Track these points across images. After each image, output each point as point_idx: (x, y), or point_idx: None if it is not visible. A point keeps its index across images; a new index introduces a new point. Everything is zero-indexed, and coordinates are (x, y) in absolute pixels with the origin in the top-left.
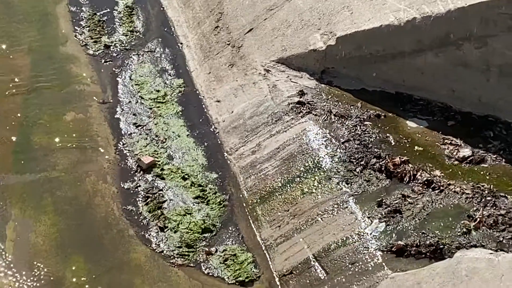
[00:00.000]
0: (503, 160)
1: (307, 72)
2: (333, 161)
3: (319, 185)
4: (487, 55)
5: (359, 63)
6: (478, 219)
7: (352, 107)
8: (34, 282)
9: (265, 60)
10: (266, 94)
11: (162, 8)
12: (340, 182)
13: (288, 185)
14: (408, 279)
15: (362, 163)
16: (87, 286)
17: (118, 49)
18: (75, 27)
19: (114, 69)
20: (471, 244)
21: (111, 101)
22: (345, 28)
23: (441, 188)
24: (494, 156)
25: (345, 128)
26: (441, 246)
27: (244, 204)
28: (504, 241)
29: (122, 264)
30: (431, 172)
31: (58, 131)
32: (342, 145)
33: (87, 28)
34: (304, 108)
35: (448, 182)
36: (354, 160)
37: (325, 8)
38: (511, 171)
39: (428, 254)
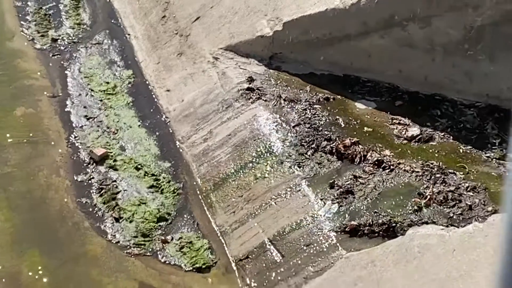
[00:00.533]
0: (451, 137)
1: (255, 59)
2: (284, 145)
3: (272, 170)
4: (432, 34)
5: (306, 48)
6: (429, 196)
7: (301, 91)
8: None
9: (213, 48)
10: (215, 81)
11: (108, 0)
12: (292, 166)
13: (241, 171)
14: (363, 258)
15: (313, 146)
16: (44, 280)
17: (66, 43)
18: (21, 22)
19: (62, 62)
20: (423, 221)
21: (61, 94)
22: (291, 13)
23: (392, 167)
24: (442, 134)
25: (295, 112)
26: (393, 224)
27: (198, 192)
28: (454, 217)
29: (78, 256)
30: (381, 152)
31: (8, 127)
32: (293, 129)
33: (34, 23)
34: (254, 94)
35: (398, 161)
36: (305, 144)
37: None
38: (459, 148)
39: (381, 232)
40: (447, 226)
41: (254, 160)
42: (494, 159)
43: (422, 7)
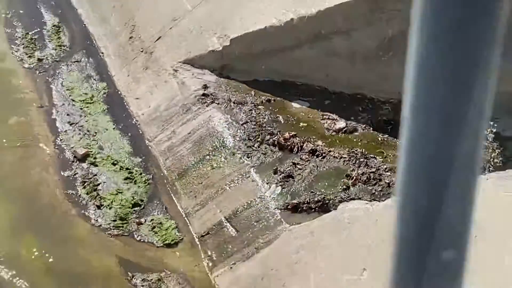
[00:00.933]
0: (371, 128)
1: (209, 69)
2: (235, 140)
3: (225, 161)
4: (352, 45)
5: (250, 59)
6: (355, 177)
7: (247, 95)
8: None
9: (173, 62)
10: (176, 90)
11: (84, 25)
12: (242, 157)
13: (200, 163)
14: (303, 230)
15: (259, 139)
16: (39, 259)
17: (50, 61)
18: (11, 46)
19: (47, 78)
20: (351, 197)
21: (47, 105)
22: (237, 31)
23: (324, 155)
24: (364, 126)
25: (243, 113)
26: (326, 201)
27: (165, 181)
28: (376, 193)
29: (67, 239)
30: (315, 143)
31: (3, 134)
32: (241, 127)
33: (22, 46)
34: (208, 99)
35: (328, 150)
36: (252, 138)
37: (221, 16)
38: (378, 137)
39: (317, 208)
40: (370, 201)
41: (210, 153)
42: None
43: (343, 23)
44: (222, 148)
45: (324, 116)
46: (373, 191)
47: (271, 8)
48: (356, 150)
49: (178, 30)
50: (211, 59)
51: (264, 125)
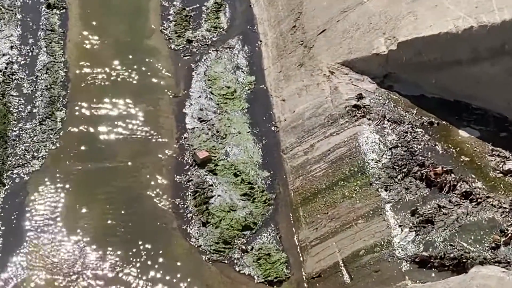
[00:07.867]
0: None
1: (369, 76)
2: (377, 167)
3: (360, 190)
4: None
5: (419, 69)
6: (510, 235)
7: (407, 113)
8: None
9: (331, 61)
10: (327, 95)
11: (249, 6)
12: (380, 188)
13: (332, 188)
14: None
15: (404, 170)
16: (120, 274)
17: (199, 45)
18: (163, 21)
19: (191, 64)
20: (496, 260)
21: (181, 95)
22: (407, 34)
23: (479, 200)
24: None
25: (396, 134)
26: (464, 260)
27: (289, 204)
28: None
29: (159, 256)
30: (472, 184)
31: (125, 123)
32: (388, 151)
33: (174, 23)
34: (359, 112)
35: (487, 195)
36: (397, 167)
37: (393, 12)
38: None
39: (450, 267)
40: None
41: (345, 179)
42: None
43: None
44: (359, 174)
45: (494, 152)
46: None
47: (451, 10)
48: None
49: (345, 24)
50: (374, 64)
51: (417, 153)
